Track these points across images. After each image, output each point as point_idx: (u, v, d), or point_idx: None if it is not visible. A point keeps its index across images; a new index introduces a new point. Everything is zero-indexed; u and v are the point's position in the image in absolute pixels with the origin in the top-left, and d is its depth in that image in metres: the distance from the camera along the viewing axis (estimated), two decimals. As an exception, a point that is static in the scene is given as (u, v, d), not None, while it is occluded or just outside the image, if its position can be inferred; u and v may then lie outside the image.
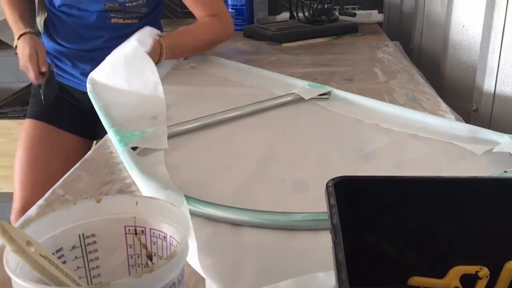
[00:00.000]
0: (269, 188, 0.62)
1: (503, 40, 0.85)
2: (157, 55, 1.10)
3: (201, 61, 1.25)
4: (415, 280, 0.39)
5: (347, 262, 0.29)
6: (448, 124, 0.77)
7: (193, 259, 0.46)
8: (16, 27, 1.16)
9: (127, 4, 1.20)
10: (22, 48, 1.12)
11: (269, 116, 0.87)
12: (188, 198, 0.55)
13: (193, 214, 0.54)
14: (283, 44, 1.48)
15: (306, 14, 1.61)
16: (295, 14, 1.64)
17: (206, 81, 1.10)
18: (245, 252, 0.49)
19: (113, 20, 1.22)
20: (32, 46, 1.12)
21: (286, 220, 0.52)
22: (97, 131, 1.28)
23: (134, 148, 0.71)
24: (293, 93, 0.94)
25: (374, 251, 0.40)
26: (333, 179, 0.38)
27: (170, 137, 0.76)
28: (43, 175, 1.16)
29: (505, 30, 0.85)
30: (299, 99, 0.93)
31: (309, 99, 0.92)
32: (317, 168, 0.67)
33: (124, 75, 1.01)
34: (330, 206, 0.35)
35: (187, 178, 0.65)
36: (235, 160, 0.71)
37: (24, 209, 1.13)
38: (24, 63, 1.12)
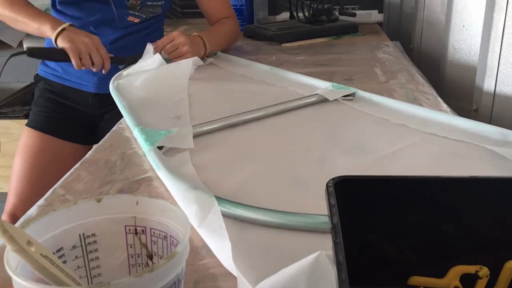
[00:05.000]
0: (295, 189, 0.61)
1: (503, 40, 0.85)
2: (201, 47, 1.20)
3: (223, 61, 1.25)
4: (415, 279, 0.39)
5: (347, 262, 0.29)
6: (477, 126, 0.75)
7: (228, 261, 0.46)
8: (48, 20, 1.10)
9: (148, 3, 1.23)
10: (81, 35, 1.07)
11: (293, 117, 0.86)
12: (219, 198, 0.54)
13: (223, 215, 0.52)
14: (283, 44, 1.48)
15: (306, 14, 1.61)
16: (295, 14, 1.64)
17: (228, 80, 1.10)
18: (279, 254, 0.49)
19: (129, 18, 1.24)
20: (91, 35, 1.09)
21: (320, 223, 0.52)
22: (97, 135, 1.29)
23: (159, 148, 0.71)
24: (316, 94, 0.92)
25: (374, 251, 0.40)
26: (333, 179, 0.38)
27: (194, 136, 0.76)
28: (35, 185, 1.19)
29: (505, 30, 0.85)
30: (323, 100, 0.92)
31: (333, 100, 0.91)
32: (348, 169, 0.65)
33: (152, 74, 1.05)
34: (330, 206, 0.35)
35: (211, 177, 0.64)
36: (260, 161, 0.70)
37: (11, 213, 1.16)
38: (90, 48, 1.07)
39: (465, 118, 0.79)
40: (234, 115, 0.83)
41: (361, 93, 0.92)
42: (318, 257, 0.41)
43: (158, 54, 1.12)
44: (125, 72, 1.08)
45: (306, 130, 0.80)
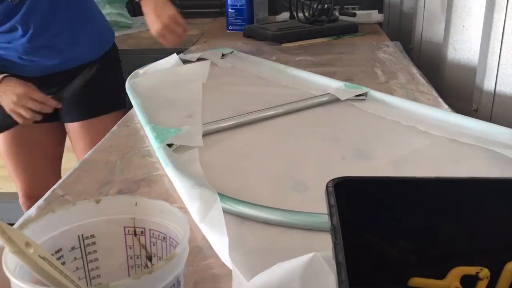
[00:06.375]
0: (299, 190, 0.62)
1: (503, 40, 0.85)
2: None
3: (237, 59, 1.25)
4: (415, 281, 0.39)
5: (347, 262, 0.29)
6: (488, 128, 0.74)
7: (225, 255, 0.47)
8: None
9: None
10: (9, 93, 1.06)
11: (304, 116, 0.86)
12: (222, 196, 0.55)
13: (225, 212, 0.54)
14: (283, 44, 1.47)
15: (306, 14, 1.61)
16: (295, 14, 1.64)
17: (242, 79, 1.10)
18: (277, 251, 0.49)
19: None
20: (24, 85, 1.07)
21: (320, 222, 0.52)
22: (59, 114, 1.24)
23: (169, 145, 0.72)
24: (328, 93, 0.92)
25: (374, 251, 0.40)
26: (333, 180, 0.38)
27: (204, 135, 0.77)
28: (34, 173, 1.24)
29: (505, 30, 0.85)
30: (335, 100, 0.91)
31: (345, 100, 0.91)
32: (356, 170, 0.66)
33: (167, 74, 1.07)
34: (330, 206, 0.35)
35: (217, 175, 0.65)
36: (267, 160, 0.70)
37: (28, 195, 1.26)
38: (20, 102, 1.06)
39: (476, 119, 0.78)
40: (244, 114, 0.83)
41: (373, 93, 0.92)
42: (313, 259, 0.41)
43: (175, 54, 1.15)
44: (141, 71, 1.10)
45: (316, 131, 0.80)
